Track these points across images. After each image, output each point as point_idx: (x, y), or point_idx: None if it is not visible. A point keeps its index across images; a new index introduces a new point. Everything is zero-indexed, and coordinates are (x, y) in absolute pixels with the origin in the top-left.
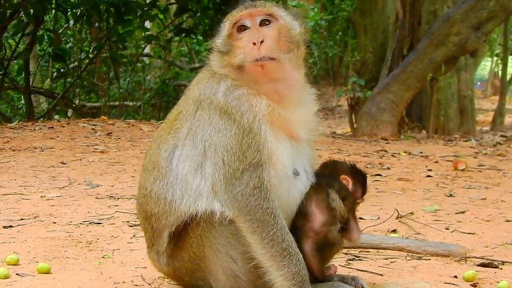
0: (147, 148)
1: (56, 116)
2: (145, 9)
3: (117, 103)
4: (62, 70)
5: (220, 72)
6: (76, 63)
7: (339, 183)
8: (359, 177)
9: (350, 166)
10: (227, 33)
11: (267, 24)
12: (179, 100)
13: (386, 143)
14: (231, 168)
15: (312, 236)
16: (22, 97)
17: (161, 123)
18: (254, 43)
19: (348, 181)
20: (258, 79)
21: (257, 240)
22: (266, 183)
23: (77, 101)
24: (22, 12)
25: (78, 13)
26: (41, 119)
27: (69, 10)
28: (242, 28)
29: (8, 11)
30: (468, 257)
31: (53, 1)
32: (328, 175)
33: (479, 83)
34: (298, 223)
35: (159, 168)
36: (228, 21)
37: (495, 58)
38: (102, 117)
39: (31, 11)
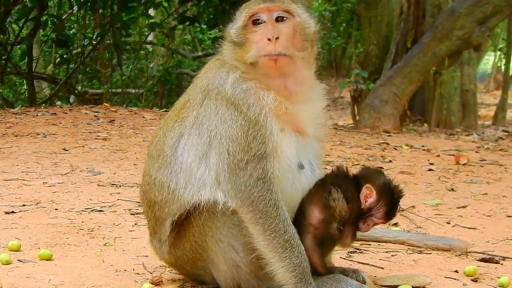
0: (153, 135)
1: (58, 102)
2: None
3: (119, 90)
4: (65, 56)
5: (230, 63)
6: (79, 49)
7: (350, 186)
8: (387, 197)
9: (384, 182)
10: (242, 25)
11: (283, 20)
12: (188, 88)
13: (388, 135)
14: (235, 159)
15: (312, 231)
16: (24, 82)
17: (164, 111)
18: (269, 39)
19: (371, 192)
20: (269, 73)
21: (259, 231)
22: (269, 175)
23: (79, 87)
24: None
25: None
26: (43, 104)
27: None
28: (257, 21)
29: None
30: (469, 252)
31: None
32: (354, 175)
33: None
34: (298, 217)
35: (164, 156)
36: (245, 12)
37: (498, 53)
38: (105, 104)
39: None
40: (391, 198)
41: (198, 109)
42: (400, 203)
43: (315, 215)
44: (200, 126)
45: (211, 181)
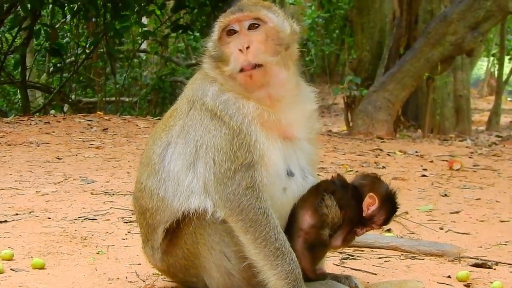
0: (146, 143)
1: (52, 111)
2: (142, 4)
3: (113, 98)
4: (58, 64)
5: (210, 75)
6: (72, 58)
7: (346, 194)
8: (389, 205)
9: (386, 191)
10: (217, 37)
11: (256, 28)
12: (178, 98)
13: (382, 142)
14: (222, 168)
15: (302, 236)
16: (18, 91)
17: (158, 119)
18: (240, 50)
19: (374, 201)
20: (248, 88)
21: (250, 240)
22: (258, 183)
23: (73, 96)
24: (19, 6)
25: (75, 8)
26: (37, 113)
27: (66, 4)
28: (231, 32)
29: (5, 5)
30: (462, 257)
31: None
32: (352, 183)
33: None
34: (290, 222)
35: (152, 164)
36: (218, 25)
37: (491, 58)
38: (98, 112)
39: (29, 5)
40: (392, 206)
41: (184, 118)
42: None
43: (307, 220)
44: (186, 135)
45: (199, 190)
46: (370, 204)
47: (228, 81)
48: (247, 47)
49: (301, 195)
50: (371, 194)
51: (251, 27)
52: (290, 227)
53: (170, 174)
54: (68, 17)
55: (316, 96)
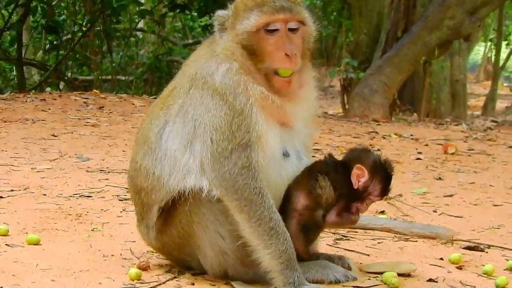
0: (141, 122)
1: (48, 89)
2: None
3: (109, 77)
4: (55, 42)
5: (225, 54)
6: (69, 36)
7: (339, 173)
8: (380, 174)
9: (374, 159)
10: (255, 29)
11: (295, 30)
12: (176, 75)
13: (377, 124)
14: (219, 147)
15: (296, 217)
16: (14, 68)
17: (154, 98)
18: (287, 54)
19: (363, 172)
20: (281, 90)
21: (245, 219)
22: (254, 164)
23: (69, 74)
24: None
25: None
26: (33, 91)
27: None
28: (271, 29)
29: None
30: (455, 240)
31: None
32: (342, 160)
33: None
34: (284, 203)
35: (149, 143)
36: (258, 17)
37: (488, 43)
38: (94, 90)
39: None
40: (384, 174)
41: (184, 97)
42: (393, 175)
43: (300, 201)
44: (185, 114)
45: (196, 169)
46: (359, 175)
47: (246, 63)
48: (295, 54)
49: (295, 176)
50: (358, 165)
51: (291, 29)
52: (284, 208)
53: (167, 153)
54: None
55: (316, 82)
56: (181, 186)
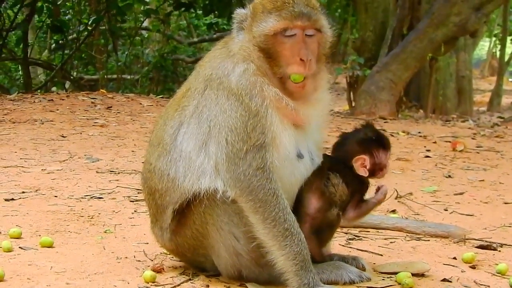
0: (155, 124)
1: (54, 88)
2: None
3: (114, 76)
4: (60, 41)
5: (242, 54)
6: (74, 35)
7: (347, 167)
8: (374, 144)
9: (359, 141)
10: (272, 33)
11: (312, 36)
12: (190, 76)
13: (385, 122)
14: (234, 148)
15: (308, 221)
16: (20, 68)
17: (161, 97)
18: (302, 60)
19: (363, 159)
20: (295, 93)
21: (259, 220)
22: (269, 164)
23: (74, 73)
24: None
25: None
26: (39, 90)
27: None
28: (288, 33)
29: None
30: (467, 239)
31: None
32: (339, 157)
33: None
34: (296, 206)
35: (163, 144)
36: (276, 21)
37: (493, 39)
38: (102, 90)
39: None
40: (376, 141)
41: (198, 98)
42: (378, 130)
43: (313, 203)
44: (200, 115)
45: (210, 170)
46: (363, 164)
47: (263, 65)
48: (310, 60)
49: (307, 178)
50: (354, 159)
51: (308, 35)
52: (297, 211)
53: (182, 154)
54: None
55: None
56: (196, 188)
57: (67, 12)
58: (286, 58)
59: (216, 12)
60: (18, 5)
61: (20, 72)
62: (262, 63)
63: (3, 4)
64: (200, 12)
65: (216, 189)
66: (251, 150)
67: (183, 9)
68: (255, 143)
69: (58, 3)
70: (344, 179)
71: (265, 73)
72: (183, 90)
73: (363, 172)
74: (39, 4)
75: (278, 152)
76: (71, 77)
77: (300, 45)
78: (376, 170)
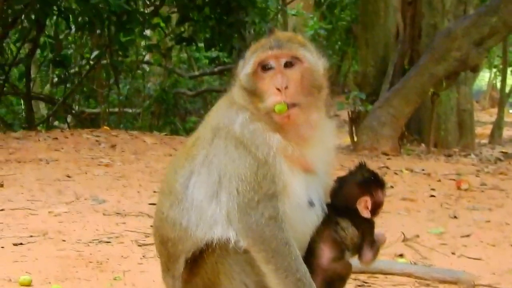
0: (166, 172)
1: (56, 122)
2: (147, 18)
3: (116, 109)
4: (62, 76)
5: (240, 103)
6: (76, 69)
7: (353, 210)
8: (373, 184)
9: (359, 184)
10: (251, 71)
11: (292, 66)
12: (199, 126)
13: (388, 158)
14: (245, 198)
15: (321, 273)
16: (22, 102)
17: (164, 135)
18: (278, 89)
19: (366, 201)
20: (284, 126)
21: (272, 270)
22: (281, 214)
23: (76, 107)
24: (24, 17)
25: (80, 21)
26: (41, 125)
27: (71, 16)
28: (266, 67)
29: (10, 17)
30: (476, 285)
31: (55, 8)
32: (341, 202)
33: None
34: (307, 258)
35: (175, 193)
36: (253, 58)
37: (493, 70)
38: (105, 127)
39: (33, 16)
40: (374, 181)
41: (208, 147)
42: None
43: (326, 253)
44: (209, 164)
45: (222, 219)
46: (366, 205)
47: (259, 112)
48: (286, 87)
49: (317, 227)
50: (359, 200)
51: (287, 65)
52: (308, 263)
53: (194, 203)
54: (73, 29)
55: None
56: (209, 237)
57: (69, 46)
58: (265, 91)
59: (218, 46)
60: (21, 41)
61: (23, 107)
62: (248, 105)
63: (5, 40)
64: (201, 44)
65: (229, 238)
66: (262, 200)
67: (185, 43)
68: (266, 192)
69: (60, 37)
70: (352, 222)
71: (259, 118)
72: (192, 139)
73: (366, 213)
74: (42, 40)
75: (289, 201)
76: (73, 111)
77: (277, 76)
78: (376, 209)
